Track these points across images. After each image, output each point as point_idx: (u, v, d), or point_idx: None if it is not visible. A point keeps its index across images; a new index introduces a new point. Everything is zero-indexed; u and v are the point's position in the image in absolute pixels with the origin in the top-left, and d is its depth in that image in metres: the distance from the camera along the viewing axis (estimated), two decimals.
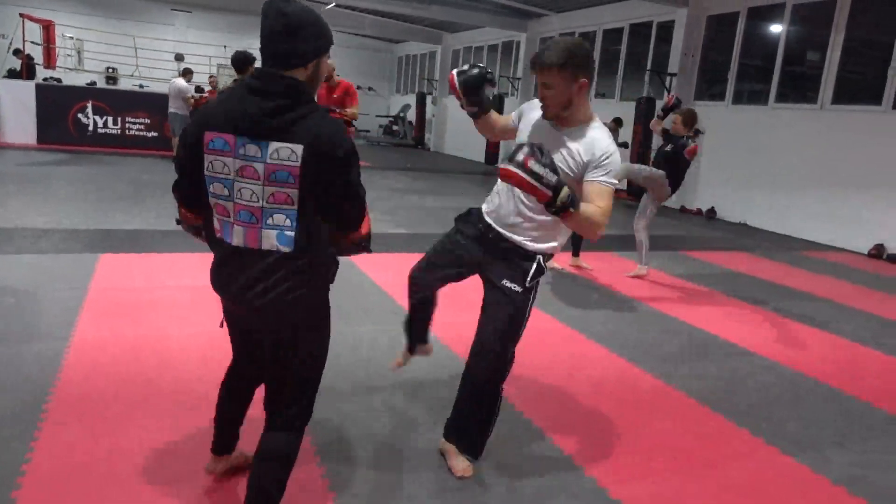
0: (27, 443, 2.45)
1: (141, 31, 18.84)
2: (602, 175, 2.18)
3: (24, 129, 11.97)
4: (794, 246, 8.51)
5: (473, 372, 2.47)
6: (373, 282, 5.05)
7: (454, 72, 2.49)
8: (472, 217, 2.55)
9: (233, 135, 1.69)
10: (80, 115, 12.36)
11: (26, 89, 12.13)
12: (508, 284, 2.35)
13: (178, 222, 2.06)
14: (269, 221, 1.73)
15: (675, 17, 11.23)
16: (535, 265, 2.35)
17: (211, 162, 1.73)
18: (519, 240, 2.36)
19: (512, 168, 1.93)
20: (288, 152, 1.67)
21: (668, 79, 11.20)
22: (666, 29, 11.64)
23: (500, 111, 8.69)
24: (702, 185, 10.84)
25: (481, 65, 2.49)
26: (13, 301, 3.97)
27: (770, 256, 7.61)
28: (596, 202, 2.14)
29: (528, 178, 1.92)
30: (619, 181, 2.26)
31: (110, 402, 2.83)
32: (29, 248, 5.14)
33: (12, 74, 13.55)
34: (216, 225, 1.82)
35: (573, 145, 2.23)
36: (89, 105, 12.41)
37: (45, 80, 13.29)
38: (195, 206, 1.89)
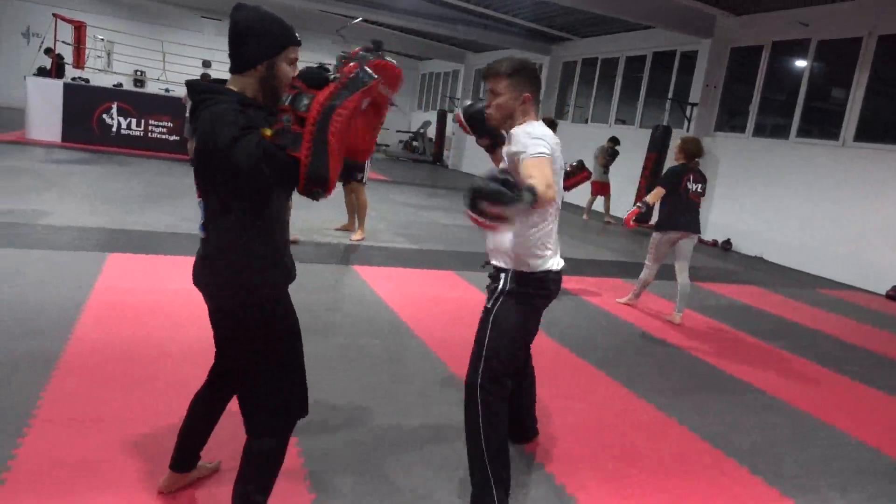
0: (15, 437, 2.44)
1: (170, 36, 19.18)
2: (523, 154, 2.15)
3: (49, 126, 12.17)
4: (810, 283, 8.37)
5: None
6: (375, 294, 5.02)
7: (459, 109, 2.52)
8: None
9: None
10: (104, 116, 12.56)
11: (55, 88, 12.35)
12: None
13: None
14: (200, 209, 1.85)
15: (699, 47, 11.21)
16: (500, 283, 2.37)
17: None
18: (494, 263, 2.43)
19: (472, 215, 1.83)
20: (192, 146, 1.81)
21: (688, 108, 11.16)
22: (689, 59, 11.62)
23: None
24: (717, 216, 10.74)
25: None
26: (18, 293, 4.00)
27: (784, 292, 7.49)
28: (530, 175, 2.04)
29: (475, 217, 1.82)
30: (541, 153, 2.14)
31: (102, 402, 2.82)
32: (41, 244, 5.18)
33: (42, 72, 13.82)
34: None
35: (510, 143, 2.29)
36: (114, 106, 12.61)
37: (73, 79, 13.53)
38: None
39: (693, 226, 5.35)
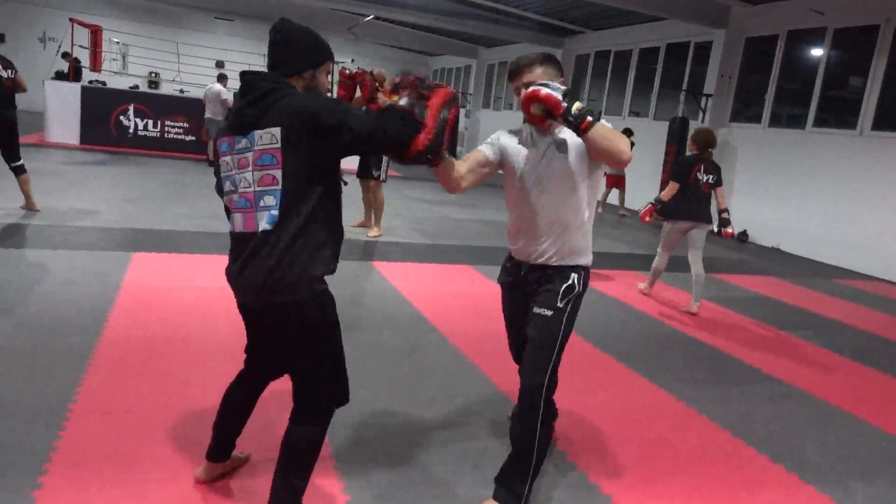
0: (56, 430, 2.53)
1: (184, 37, 19.35)
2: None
3: (68, 129, 12.36)
4: (828, 273, 8.33)
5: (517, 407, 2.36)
6: (395, 289, 5.08)
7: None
8: (507, 265, 2.54)
9: (231, 135, 1.93)
10: (121, 118, 12.72)
11: (72, 91, 12.53)
12: (539, 311, 2.32)
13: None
14: (261, 204, 1.88)
15: (714, 37, 11.15)
16: (567, 282, 2.32)
17: (222, 164, 1.99)
18: (546, 260, 2.35)
19: (531, 88, 2.06)
20: (269, 137, 1.84)
21: (703, 99, 11.11)
22: (703, 49, 11.56)
23: None
24: (734, 208, 10.67)
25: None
26: (48, 293, 4.10)
27: (802, 283, 7.46)
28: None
29: (541, 89, 2.03)
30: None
31: (135, 394, 2.91)
32: (65, 244, 5.30)
33: (60, 76, 14.02)
34: (229, 220, 2.02)
35: (567, 138, 2.27)
36: (131, 108, 12.77)
37: (90, 82, 13.70)
38: None
39: (704, 216, 5.37)
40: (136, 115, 12.80)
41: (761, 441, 3.20)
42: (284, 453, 2.00)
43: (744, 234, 10.36)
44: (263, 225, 1.86)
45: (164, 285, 4.58)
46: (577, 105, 2.03)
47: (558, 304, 2.31)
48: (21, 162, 6.18)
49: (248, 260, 1.90)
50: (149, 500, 2.20)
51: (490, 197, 11.17)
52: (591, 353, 4.24)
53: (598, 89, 15.00)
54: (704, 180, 5.31)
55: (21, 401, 2.74)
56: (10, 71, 6.04)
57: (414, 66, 24.15)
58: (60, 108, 12.33)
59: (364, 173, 6.88)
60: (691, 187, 5.32)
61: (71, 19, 13.61)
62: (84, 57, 14.31)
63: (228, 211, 2.01)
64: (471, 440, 2.86)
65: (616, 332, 4.78)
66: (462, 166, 2.36)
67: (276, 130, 1.82)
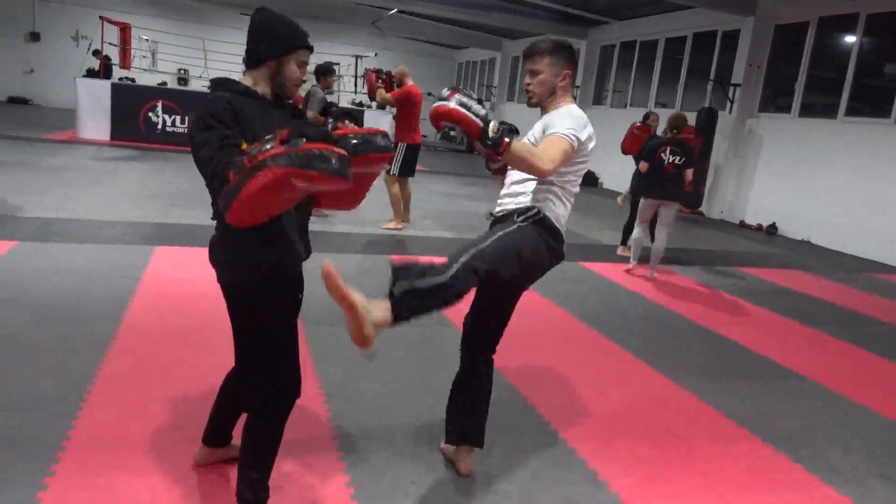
0: (69, 420, 2.59)
1: (211, 34, 19.54)
2: (549, 130, 2.23)
3: (99, 125, 12.60)
4: (861, 267, 8.09)
5: None
6: None
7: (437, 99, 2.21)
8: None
9: None
10: (150, 114, 12.93)
11: (103, 88, 12.77)
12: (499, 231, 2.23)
13: None
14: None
15: (742, 26, 10.89)
16: (528, 213, 2.27)
17: None
18: (511, 208, 2.34)
19: (439, 103, 2.01)
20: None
21: (731, 89, 10.87)
22: (731, 38, 11.31)
23: None
24: (762, 200, 10.46)
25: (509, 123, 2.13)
26: (70, 286, 4.19)
27: (832, 277, 7.27)
28: (541, 146, 2.19)
29: (457, 108, 1.98)
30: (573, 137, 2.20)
31: (153, 386, 2.96)
32: (91, 238, 5.41)
33: (91, 74, 14.30)
34: None
35: (544, 120, 2.33)
36: (159, 104, 12.97)
37: (120, 79, 13.96)
38: None
39: (670, 194, 5.94)
40: (164, 112, 12.99)
41: (780, 439, 3.13)
42: (241, 440, 2.03)
43: (773, 226, 10.13)
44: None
45: (185, 278, 4.65)
46: (492, 127, 1.99)
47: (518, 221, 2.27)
48: None
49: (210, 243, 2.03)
50: (159, 487, 2.23)
51: None
52: (601, 343, 4.19)
53: (623, 80, 14.79)
54: (669, 160, 5.87)
55: (38, 390, 2.81)
56: None
57: (439, 59, 24.12)
58: (91, 105, 12.57)
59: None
60: (657, 167, 5.89)
61: (101, 17, 13.86)
62: (114, 54, 14.57)
63: None
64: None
65: (629, 323, 4.71)
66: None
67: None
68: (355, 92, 16.49)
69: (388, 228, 7.07)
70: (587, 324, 4.56)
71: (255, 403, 2.00)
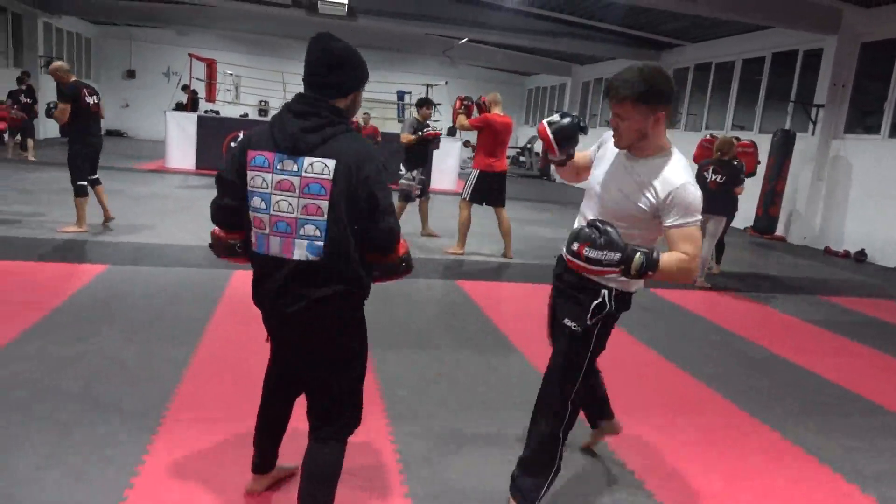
0: (149, 434, 2.73)
1: (290, 67, 20.45)
2: (678, 218, 2.05)
3: (185, 155, 13.38)
4: None
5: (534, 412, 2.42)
6: (477, 307, 5.09)
7: (545, 122, 2.33)
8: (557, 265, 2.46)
9: (272, 152, 1.87)
10: (232, 144, 13.58)
11: (190, 120, 13.58)
12: (569, 323, 2.26)
13: (210, 246, 2.20)
14: (301, 232, 1.87)
15: (824, 44, 10.47)
16: (598, 300, 2.21)
17: (252, 178, 1.90)
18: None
19: (569, 258, 1.99)
20: (321, 166, 1.84)
21: (813, 110, 10.43)
22: (813, 57, 10.88)
23: None
24: (849, 224, 9.92)
25: (573, 113, 2.36)
26: (156, 308, 4.45)
27: None
28: (681, 247, 2.03)
29: (588, 266, 1.95)
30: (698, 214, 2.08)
31: (226, 405, 3.08)
32: (176, 262, 5.73)
33: (179, 107, 15.23)
34: (253, 239, 1.97)
35: (647, 179, 2.10)
36: (241, 135, 13.59)
37: (205, 112, 14.79)
38: (232, 223, 2.05)
39: (716, 209, 6.36)
40: None
41: (866, 479, 2.93)
42: (312, 473, 2.01)
43: (861, 253, 9.57)
44: (302, 253, 1.87)
45: None
46: (636, 264, 1.91)
47: (588, 322, 2.22)
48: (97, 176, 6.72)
49: (286, 288, 1.91)
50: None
51: None
52: (678, 376, 4.05)
53: (698, 103, 14.45)
54: (712, 178, 6.50)
55: (120, 405, 2.98)
56: (95, 97, 6.54)
57: (509, 85, 24.32)
58: (179, 136, 13.37)
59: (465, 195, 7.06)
60: (702, 186, 6.14)
61: (190, 54, 14.78)
62: (201, 89, 15.47)
63: (238, 227, 2.02)
64: None
65: (705, 354, 4.54)
66: (579, 161, 2.49)
67: (331, 163, 1.83)
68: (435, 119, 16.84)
69: (449, 253, 7.13)
70: (657, 351, 4.43)
71: (342, 432, 2.05)
